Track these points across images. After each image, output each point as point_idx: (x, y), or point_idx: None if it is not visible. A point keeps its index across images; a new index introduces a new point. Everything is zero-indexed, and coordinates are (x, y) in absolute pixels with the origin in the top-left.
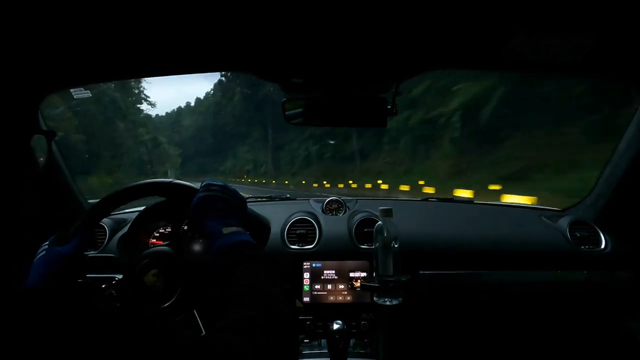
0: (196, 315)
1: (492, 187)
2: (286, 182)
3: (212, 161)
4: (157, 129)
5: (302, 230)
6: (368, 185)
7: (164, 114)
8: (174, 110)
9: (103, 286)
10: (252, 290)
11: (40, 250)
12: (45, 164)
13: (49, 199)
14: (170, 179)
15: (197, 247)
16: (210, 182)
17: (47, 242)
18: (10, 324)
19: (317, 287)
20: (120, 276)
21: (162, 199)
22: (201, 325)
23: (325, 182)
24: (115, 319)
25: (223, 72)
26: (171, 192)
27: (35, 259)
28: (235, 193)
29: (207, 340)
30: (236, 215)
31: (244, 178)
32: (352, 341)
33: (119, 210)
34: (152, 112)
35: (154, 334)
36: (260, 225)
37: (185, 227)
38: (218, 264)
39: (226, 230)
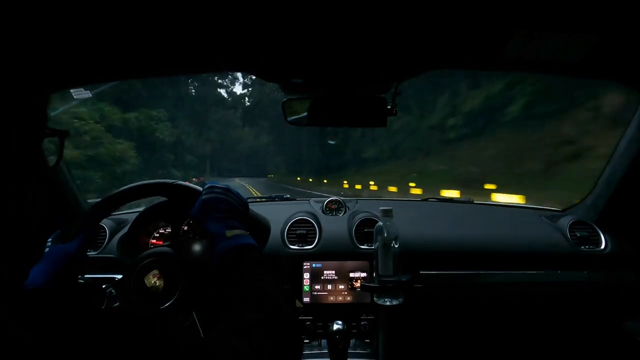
0: (195, 317)
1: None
2: None
3: None
4: None
5: (302, 230)
6: None
7: None
8: None
9: (103, 286)
10: (256, 293)
11: None
12: (55, 163)
13: (52, 199)
14: (174, 180)
15: (197, 247)
16: (213, 184)
17: (49, 239)
18: (13, 323)
19: (317, 287)
20: (120, 276)
21: (163, 199)
22: (200, 327)
23: None
24: (115, 318)
25: None
26: (174, 193)
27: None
28: (238, 196)
29: (210, 342)
30: (239, 218)
31: None
32: (352, 341)
33: (119, 211)
34: None
35: (154, 335)
36: (260, 226)
37: (186, 228)
38: (221, 266)
39: (229, 233)
